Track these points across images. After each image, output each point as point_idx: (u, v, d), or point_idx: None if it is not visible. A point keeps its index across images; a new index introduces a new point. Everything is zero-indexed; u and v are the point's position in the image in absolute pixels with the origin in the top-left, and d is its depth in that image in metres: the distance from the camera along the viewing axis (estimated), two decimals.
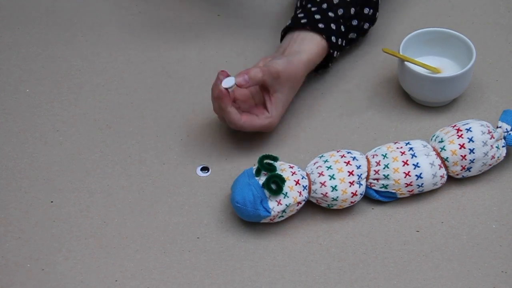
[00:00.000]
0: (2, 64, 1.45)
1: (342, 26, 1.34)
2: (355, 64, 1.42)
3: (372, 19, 1.39)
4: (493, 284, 1.13)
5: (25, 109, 1.37)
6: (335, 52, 1.35)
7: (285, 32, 1.35)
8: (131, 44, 1.46)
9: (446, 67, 1.36)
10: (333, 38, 1.33)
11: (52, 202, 1.24)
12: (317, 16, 1.33)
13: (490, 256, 1.16)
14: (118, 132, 1.33)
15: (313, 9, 1.35)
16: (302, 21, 1.33)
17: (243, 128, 1.25)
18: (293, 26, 1.33)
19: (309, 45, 1.31)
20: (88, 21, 1.51)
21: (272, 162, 1.18)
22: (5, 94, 1.40)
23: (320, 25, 1.32)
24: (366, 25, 1.39)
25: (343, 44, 1.36)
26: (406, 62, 1.30)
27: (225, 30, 1.49)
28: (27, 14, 1.53)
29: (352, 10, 1.35)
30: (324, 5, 1.35)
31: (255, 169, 1.18)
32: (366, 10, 1.37)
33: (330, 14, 1.34)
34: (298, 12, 1.36)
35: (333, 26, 1.33)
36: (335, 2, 1.35)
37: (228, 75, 1.23)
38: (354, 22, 1.37)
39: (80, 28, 1.50)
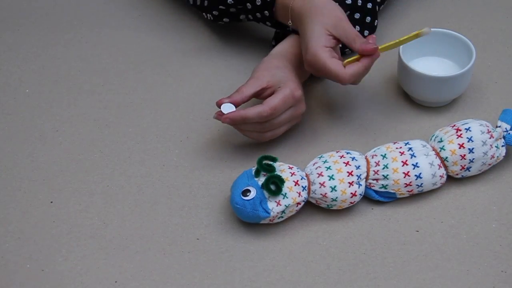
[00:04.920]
0: (2, 64, 1.45)
1: None
2: None
3: (370, 27, 1.40)
4: (493, 283, 1.13)
5: (25, 109, 1.37)
6: None
7: (275, 39, 1.38)
8: (131, 45, 1.46)
9: (446, 67, 1.36)
10: None
11: (52, 202, 1.24)
12: None
13: (489, 256, 1.16)
14: (118, 132, 1.33)
15: None
16: (288, 28, 1.35)
17: (275, 109, 1.21)
18: (282, 32, 1.36)
19: (286, 43, 1.32)
20: (88, 23, 1.51)
21: (271, 163, 1.18)
22: (5, 94, 1.40)
23: None
24: (365, 32, 1.40)
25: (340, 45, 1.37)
26: (405, 60, 1.30)
27: (225, 31, 1.49)
28: (27, 15, 1.54)
29: None
30: None
31: (254, 170, 1.18)
32: (357, 16, 1.38)
33: None
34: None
35: None
36: None
37: (222, 103, 1.23)
38: None
39: (80, 29, 1.50)
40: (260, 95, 1.25)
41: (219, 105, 1.22)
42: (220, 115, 1.22)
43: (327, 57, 1.21)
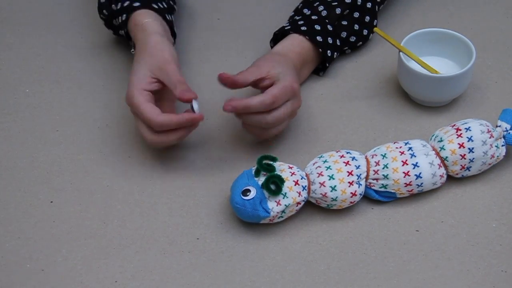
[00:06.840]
0: (2, 64, 1.45)
1: (328, 26, 1.36)
2: (355, 64, 1.42)
3: (369, 26, 1.40)
4: (493, 283, 1.13)
5: (25, 109, 1.37)
6: (328, 51, 1.36)
7: (273, 41, 1.39)
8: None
9: (446, 67, 1.36)
10: (319, 38, 1.34)
11: (52, 202, 1.24)
12: (300, 22, 1.36)
13: (490, 256, 1.16)
14: (118, 132, 1.33)
15: (296, 17, 1.38)
16: (286, 27, 1.35)
17: (276, 98, 1.21)
18: (278, 33, 1.37)
19: (287, 42, 1.33)
20: (88, 23, 1.51)
21: (271, 162, 1.18)
22: (5, 94, 1.40)
23: (303, 28, 1.35)
24: (364, 32, 1.40)
25: (338, 43, 1.37)
26: (405, 60, 1.30)
27: (225, 31, 1.49)
28: (27, 15, 1.54)
29: (338, 10, 1.37)
30: (308, 12, 1.38)
31: (254, 170, 1.18)
32: (356, 15, 1.38)
33: (314, 17, 1.37)
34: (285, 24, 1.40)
35: (317, 27, 1.35)
36: (319, 9, 1.37)
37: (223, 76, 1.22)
38: (344, 22, 1.37)
39: (79, 29, 1.50)
40: (258, 85, 1.25)
41: (220, 78, 1.21)
42: (226, 104, 1.20)
43: (142, 101, 1.20)
